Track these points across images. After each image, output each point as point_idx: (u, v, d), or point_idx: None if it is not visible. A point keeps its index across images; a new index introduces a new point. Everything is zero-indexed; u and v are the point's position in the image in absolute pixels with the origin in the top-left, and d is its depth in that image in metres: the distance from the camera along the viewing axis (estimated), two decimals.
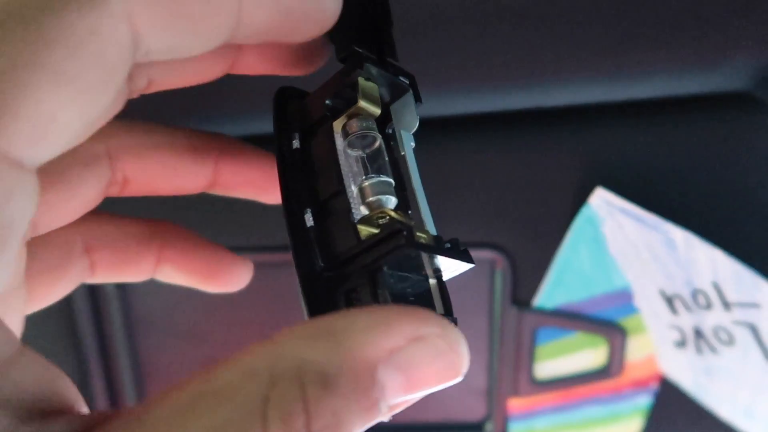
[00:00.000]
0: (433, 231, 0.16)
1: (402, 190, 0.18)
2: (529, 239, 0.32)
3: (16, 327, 0.16)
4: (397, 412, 0.13)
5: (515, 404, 0.35)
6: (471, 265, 0.16)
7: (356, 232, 0.15)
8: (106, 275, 0.21)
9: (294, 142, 0.18)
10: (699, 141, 0.31)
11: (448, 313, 0.16)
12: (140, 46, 0.13)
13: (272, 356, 0.11)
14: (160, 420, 0.11)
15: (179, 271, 0.22)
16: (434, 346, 0.12)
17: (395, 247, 0.14)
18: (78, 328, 0.34)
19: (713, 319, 0.32)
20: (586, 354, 0.34)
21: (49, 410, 0.11)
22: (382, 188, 0.17)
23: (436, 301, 0.16)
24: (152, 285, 0.34)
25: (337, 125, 0.17)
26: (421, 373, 0.12)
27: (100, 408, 0.35)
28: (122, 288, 0.34)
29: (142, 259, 0.21)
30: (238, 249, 0.32)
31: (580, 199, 0.31)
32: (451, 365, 0.13)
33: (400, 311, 0.13)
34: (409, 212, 0.18)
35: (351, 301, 0.15)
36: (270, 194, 0.22)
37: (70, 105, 0.12)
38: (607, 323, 0.33)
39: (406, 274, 0.15)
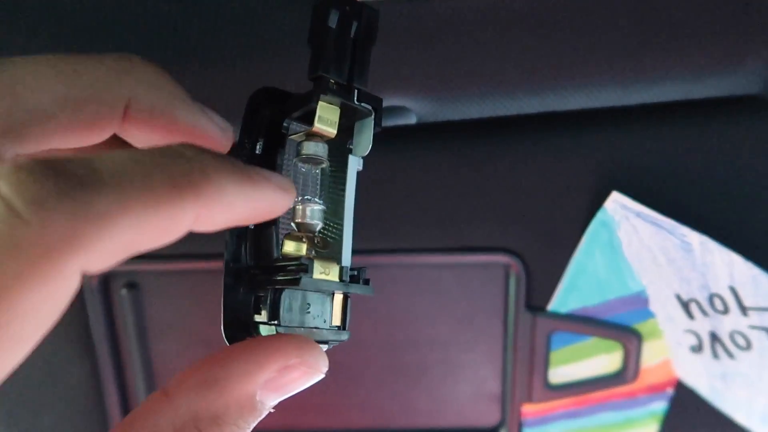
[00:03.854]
0: (345, 258, 0.19)
1: (341, 204, 0.20)
2: (544, 244, 0.32)
3: None
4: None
5: (529, 409, 0.35)
6: (369, 293, 0.19)
7: (278, 247, 0.19)
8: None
9: (258, 145, 0.20)
10: (713, 144, 0.31)
11: (343, 327, 0.19)
12: None
13: (171, 413, 0.15)
14: None
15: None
16: (298, 370, 0.17)
17: (293, 281, 0.17)
18: (91, 333, 0.34)
19: (730, 323, 0.32)
20: (600, 359, 0.34)
21: None
22: (312, 213, 0.19)
23: (336, 315, 0.19)
24: (164, 291, 0.34)
25: (298, 137, 0.20)
26: (290, 387, 0.17)
27: (113, 412, 0.35)
28: (135, 293, 0.34)
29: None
30: None
31: (595, 204, 0.31)
32: (312, 376, 0.17)
33: (274, 348, 0.17)
34: (339, 226, 0.20)
35: (257, 305, 0.19)
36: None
37: None
38: (622, 328, 0.33)
39: (311, 291, 0.19)
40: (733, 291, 0.31)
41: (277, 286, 0.18)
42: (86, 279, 0.33)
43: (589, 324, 0.33)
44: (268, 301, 0.18)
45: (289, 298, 0.18)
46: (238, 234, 0.19)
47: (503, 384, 0.35)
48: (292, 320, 0.18)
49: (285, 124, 0.19)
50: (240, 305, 0.19)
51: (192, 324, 0.35)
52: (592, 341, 0.34)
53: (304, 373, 0.17)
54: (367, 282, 0.19)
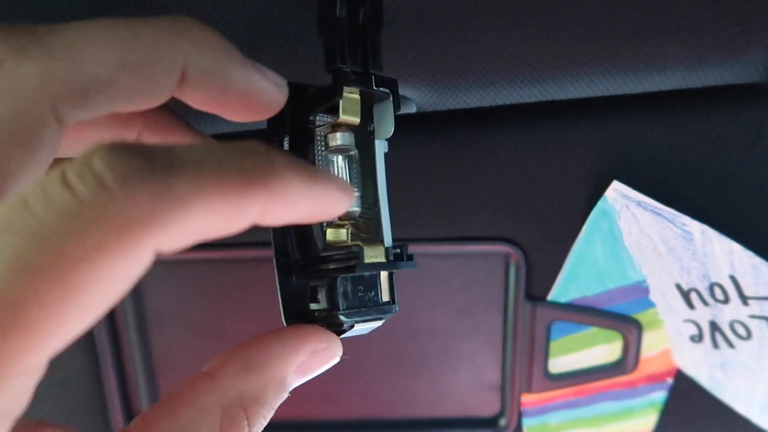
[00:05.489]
0: (387, 238, 0.20)
1: (373, 187, 0.20)
2: (544, 233, 0.32)
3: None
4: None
5: (529, 399, 0.35)
6: (413, 267, 0.20)
7: (324, 239, 0.20)
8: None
9: (285, 142, 0.20)
10: (714, 133, 0.31)
11: (392, 301, 0.20)
12: None
13: (218, 394, 0.16)
14: None
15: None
16: (324, 354, 0.19)
17: (347, 268, 0.19)
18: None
19: (730, 313, 0.32)
20: (600, 349, 0.34)
21: None
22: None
23: (384, 292, 0.20)
24: (164, 281, 0.34)
25: (324, 129, 0.20)
26: (314, 371, 0.19)
27: (113, 401, 0.35)
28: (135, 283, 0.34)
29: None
30: (255, 244, 0.32)
31: (595, 193, 0.31)
32: (331, 361, 0.19)
33: (303, 335, 0.18)
34: (375, 209, 0.21)
35: (313, 295, 0.20)
36: None
37: None
38: (622, 318, 0.33)
39: (360, 275, 0.20)
40: (734, 280, 0.31)
41: (331, 275, 0.19)
42: None
43: (589, 314, 0.33)
44: (325, 291, 0.19)
45: (344, 285, 0.19)
46: (283, 230, 0.20)
47: (503, 374, 0.35)
48: (349, 305, 0.19)
49: (311, 118, 0.20)
50: (295, 296, 0.20)
51: (191, 313, 0.35)
52: (592, 331, 0.34)
53: (328, 356, 0.19)
54: (410, 258, 0.20)
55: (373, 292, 0.20)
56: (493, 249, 0.33)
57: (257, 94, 0.18)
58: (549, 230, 0.32)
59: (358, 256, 0.18)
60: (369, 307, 0.20)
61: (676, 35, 0.28)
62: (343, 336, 0.20)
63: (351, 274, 0.19)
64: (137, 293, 0.34)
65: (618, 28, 0.28)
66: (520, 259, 0.32)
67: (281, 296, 0.20)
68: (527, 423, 0.35)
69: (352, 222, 0.20)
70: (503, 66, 0.29)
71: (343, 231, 0.20)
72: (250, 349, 0.18)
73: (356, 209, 0.20)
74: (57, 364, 0.34)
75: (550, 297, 0.33)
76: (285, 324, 0.20)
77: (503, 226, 0.32)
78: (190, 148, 0.14)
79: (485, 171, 0.31)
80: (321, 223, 0.20)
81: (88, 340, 0.34)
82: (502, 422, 0.36)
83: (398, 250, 0.20)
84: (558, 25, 0.27)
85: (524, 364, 0.34)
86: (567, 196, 0.32)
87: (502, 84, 0.30)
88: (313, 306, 0.20)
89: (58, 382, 0.35)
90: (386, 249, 0.19)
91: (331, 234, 0.20)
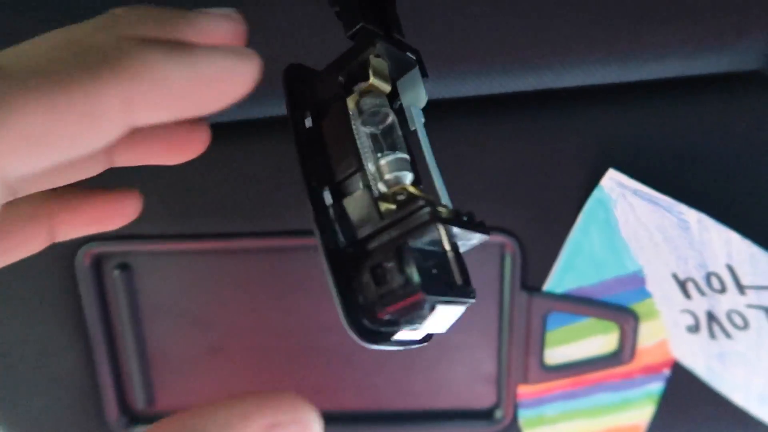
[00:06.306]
0: (449, 204, 0.17)
1: (414, 164, 0.18)
2: (540, 223, 0.32)
3: None
4: None
5: (525, 391, 0.35)
6: (487, 237, 0.16)
7: (378, 209, 0.16)
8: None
9: (307, 120, 0.18)
10: (712, 121, 0.30)
11: (466, 283, 0.16)
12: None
13: None
14: None
15: (76, 228, 0.21)
16: (288, 430, 0.15)
17: (421, 223, 0.14)
18: (83, 315, 0.33)
19: (727, 302, 0.31)
20: (597, 339, 0.34)
21: None
22: (399, 165, 0.17)
23: (455, 272, 0.16)
24: (157, 272, 0.34)
25: (349, 102, 0.17)
26: None
27: (107, 395, 0.35)
28: (127, 275, 0.34)
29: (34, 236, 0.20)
30: (243, 234, 0.32)
31: (591, 182, 0.31)
32: None
33: (258, 402, 0.14)
34: (421, 186, 0.18)
35: (377, 277, 0.15)
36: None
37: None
38: (618, 308, 0.33)
39: (427, 248, 0.15)
40: (731, 269, 0.30)
41: (399, 242, 0.15)
42: (78, 260, 0.32)
43: (585, 304, 0.33)
44: (394, 264, 0.15)
45: (414, 255, 0.15)
46: (324, 216, 0.16)
47: (499, 365, 0.35)
48: (426, 281, 0.15)
49: (341, 79, 0.17)
50: (356, 287, 0.16)
51: (185, 305, 0.35)
52: (589, 321, 0.33)
53: None
54: (482, 224, 0.16)
55: (445, 274, 0.16)
56: (488, 239, 0.32)
57: (213, 36, 0.15)
58: (545, 220, 0.32)
59: (429, 207, 0.14)
60: (448, 289, 0.15)
61: (674, 22, 0.28)
62: (424, 326, 0.15)
63: (422, 241, 0.15)
64: (131, 285, 0.34)
65: (615, 15, 0.27)
66: (516, 249, 0.32)
67: (336, 289, 0.16)
68: (523, 414, 0.35)
69: (404, 193, 0.17)
70: (499, 55, 0.29)
71: (395, 206, 0.16)
72: (190, 414, 0.14)
73: (406, 173, 0.17)
74: (50, 358, 0.34)
75: (546, 287, 0.33)
76: (345, 324, 0.15)
77: (498, 216, 0.32)
78: (8, 51, 0.12)
79: (480, 160, 0.31)
80: (372, 194, 0.16)
81: (81, 332, 0.34)
82: (498, 414, 0.35)
83: (465, 218, 0.16)
84: (554, 14, 0.27)
85: (520, 356, 0.34)
86: (563, 185, 0.31)
87: (498, 73, 0.30)
88: (381, 290, 0.15)
89: (51, 376, 0.35)
90: (455, 212, 0.16)
91: (384, 208, 0.16)
